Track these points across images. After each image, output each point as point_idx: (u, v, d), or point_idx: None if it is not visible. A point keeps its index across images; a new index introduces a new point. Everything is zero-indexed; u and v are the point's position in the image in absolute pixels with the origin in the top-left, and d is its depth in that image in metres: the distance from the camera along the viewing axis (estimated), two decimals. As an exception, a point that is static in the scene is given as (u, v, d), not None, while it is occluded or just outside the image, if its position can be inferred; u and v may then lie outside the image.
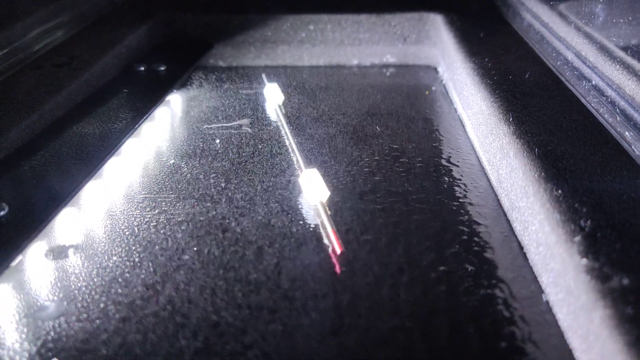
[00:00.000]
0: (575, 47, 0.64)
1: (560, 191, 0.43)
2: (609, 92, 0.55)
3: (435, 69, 0.86)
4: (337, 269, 0.45)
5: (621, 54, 0.57)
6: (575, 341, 0.37)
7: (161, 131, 0.67)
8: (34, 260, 0.46)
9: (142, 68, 0.77)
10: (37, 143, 0.58)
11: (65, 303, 0.42)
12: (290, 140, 0.63)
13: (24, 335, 0.39)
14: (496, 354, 0.37)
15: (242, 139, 0.65)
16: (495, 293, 0.42)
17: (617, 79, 0.55)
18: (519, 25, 0.81)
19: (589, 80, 0.59)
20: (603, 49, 0.59)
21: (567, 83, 0.62)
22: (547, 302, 0.41)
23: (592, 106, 0.56)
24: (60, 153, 0.57)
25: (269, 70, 0.86)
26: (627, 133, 0.50)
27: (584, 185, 0.44)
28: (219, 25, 0.87)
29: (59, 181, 0.52)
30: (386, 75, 0.85)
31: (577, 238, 0.38)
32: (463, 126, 0.67)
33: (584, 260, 0.37)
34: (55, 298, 0.42)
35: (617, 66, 0.55)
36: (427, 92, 0.78)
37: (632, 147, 0.48)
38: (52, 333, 0.39)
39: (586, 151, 0.48)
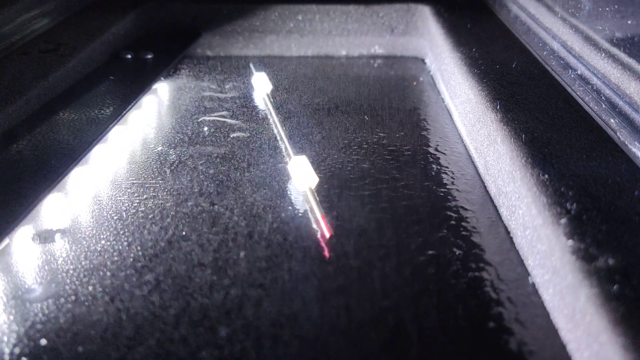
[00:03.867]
0: (561, 37, 0.65)
1: (547, 176, 0.43)
2: (595, 80, 0.56)
3: (423, 60, 0.86)
4: (326, 252, 0.45)
5: (606, 44, 0.58)
6: (561, 321, 0.37)
7: (148, 119, 0.67)
8: (21, 243, 0.46)
9: (130, 56, 0.77)
10: (23, 128, 0.58)
11: (53, 285, 0.41)
12: (278, 128, 0.63)
13: (12, 317, 0.39)
14: (484, 334, 0.38)
15: (230, 127, 0.64)
16: (483, 276, 0.43)
17: (603, 68, 0.55)
18: (505, 16, 0.82)
19: (575, 70, 0.60)
20: (588, 39, 0.60)
21: (553, 72, 0.63)
22: (533, 284, 0.41)
23: (577, 94, 0.57)
24: (46, 138, 0.56)
25: (257, 60, 0.86)
26: (612, 120, 0.51)
27: (570, 170, 0.44)
28: (207, 14, 0.87)
29: (46, 166, 0.52)
30: (374, 66, 0.86)
31: (563, 220, 0.39)
32: (450, 115, 0.68)
33: (570, 242, 0.37)
34: (43, 281, 0.42)
35: (603, 55, 0.56)
36: (414, 83, 0.79)
37: (617, 133, 0.49)
38: (40, 315, 0.39)
39: (572, 138, 0.49)
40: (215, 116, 0.67)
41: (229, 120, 0.66)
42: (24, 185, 0.49)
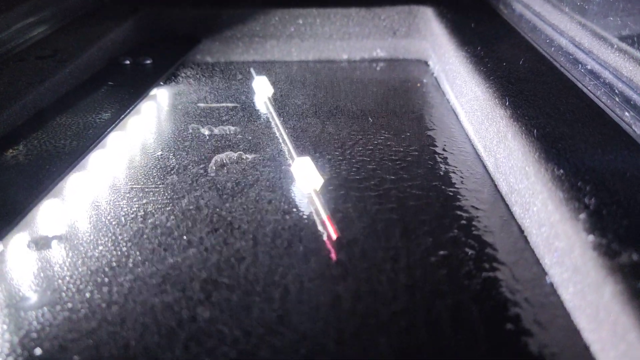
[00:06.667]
0: (568, 33, 0.63)
1: (562, 170, 0.42)
2: (606, 74, 0.54)
3: (426, 63, 0.85)
4: (333, 255, 0.43)
5: (616, 38, 0.56)
6: (583, 321, 0.35)
7: (147, 125, 0.65)
8: (16, 250, 0.44)
9: (128, 61, 0.76)
10: (19, 134, 0.56)
11: (48, 293, 0.40)
12: (281, 131, 0.62)
13: (5, 326, 0.37)
14: (502, 336, 0.36)
15: (231, 131, 0.63)
16: (497, 276, 0.41)
17: (614, 62, 0.54)
18: (509, 15, 0.81)
19: (585, 65, 0.58)
20: (597, 34, 0.59)
21: (561, 68, 0.61)
22: (551, 284, 0.40)
23: (588, 89, 0.55)
24: (42, 144, 0.55)
25: (258, 65, 0.84)
26: (626, 113, 0.49)
27: (585, 164, 0.43)
28: (207, 20, 0.86)
29: (41, 171, 0.50)
30: (376, 69, 0.84)
31: (583, 215, 0.37)
32: (456, 116, 0.66)
33: (591, 237, 0.35)
34: (38, 288, 0.40)
35: (614, 49, 0.54)
36: (418, 85, 0.77)
37: (633, 127, 0.47)
38: (35, 323, 0.37)
39: (585, 132, 0.47)
40: (215, 121, 0.65)
41: (229, 126, 0.64)
42: (19, 191, 0.47)
